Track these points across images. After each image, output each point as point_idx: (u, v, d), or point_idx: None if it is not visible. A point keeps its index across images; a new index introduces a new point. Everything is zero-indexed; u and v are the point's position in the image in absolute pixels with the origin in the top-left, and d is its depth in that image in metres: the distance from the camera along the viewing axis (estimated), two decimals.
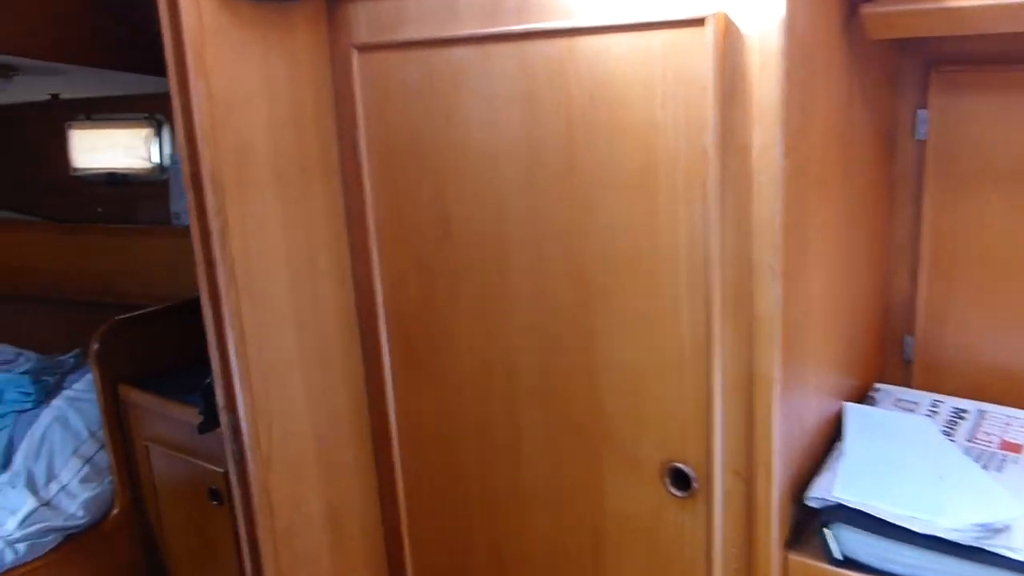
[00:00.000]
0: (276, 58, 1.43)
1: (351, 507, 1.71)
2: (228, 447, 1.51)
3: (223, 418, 1.50)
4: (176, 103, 1.34)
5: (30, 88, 2.72)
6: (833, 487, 1.25)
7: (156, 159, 3.19)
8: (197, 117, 1.33)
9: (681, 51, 1.14)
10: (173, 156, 3.14)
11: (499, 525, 1.57)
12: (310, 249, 1.55)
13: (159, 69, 1.36)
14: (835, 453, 1.37)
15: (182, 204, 2.99)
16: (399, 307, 1.57)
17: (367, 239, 1.56)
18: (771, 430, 1.19)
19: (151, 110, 3.21)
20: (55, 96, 3.08)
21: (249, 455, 1.50)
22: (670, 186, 1.20)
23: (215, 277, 1.42)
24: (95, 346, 2.52)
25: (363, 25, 1.45)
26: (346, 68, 1.48)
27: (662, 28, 1.15)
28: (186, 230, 1.45)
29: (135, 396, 2.49)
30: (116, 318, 2.60)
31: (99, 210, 3.40)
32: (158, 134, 3.16)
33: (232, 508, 1.75)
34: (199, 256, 1.42)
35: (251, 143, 1.42)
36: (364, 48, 1.46)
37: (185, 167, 1.38)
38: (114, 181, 3.31)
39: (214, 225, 1.39)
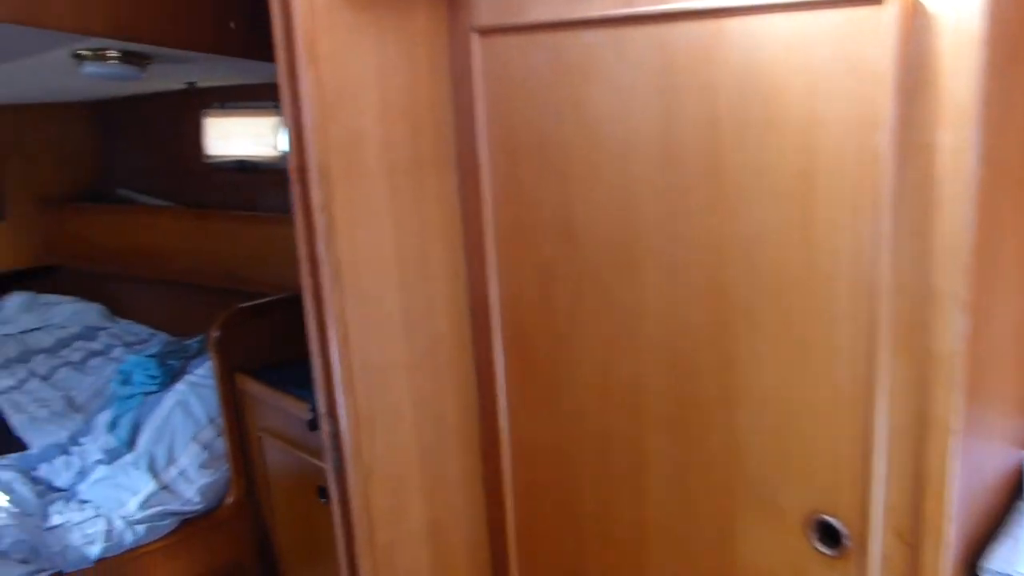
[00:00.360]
0: (391, 43, 1.33)
1: (455, 523, 1.60)
2: (328, 456, 1.43)
3: (324, 425, 1.42)
4: (284, 91, 1.26)
5: (166, 77, 2.74)
6: (1017, 559, 1.04)
7: (280, 147, 3.19)
8: (305, 106, 1.24)
9: (853, 35, 0.96)
10: None
11: (614, 556, 1.42)
12: (421, 247, 1.44)
13: None
14: (1018, 515, 1.15)
15: None
16: (515, 313, 1.44)
17: (483, 238, 1.44)
18: (946, 486, 0.99)
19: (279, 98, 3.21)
20: (191, 84, 3.12)
21: (350, 465, 1.41)
22: (832, 194, 1.02)
23: (319, 276, 1.33)
24: (215, 334, 2.52)
25: (485, 6, 1.33)
26: (465, 53, 1.36)
27: (830, 7, 0.98)
28: None
29: (251, 386, 2.47)
30: (237, 307, 2.59)
31: (226, 197, 3.44)
32: None
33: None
34: (302, 253, 1.34)
35: (362, 134, 1.33)
36: (485, 31, 1.33)
37: (291, 159, 1.29)
38: (243, 168, 3.34)
39: (319, 221, 1.30)
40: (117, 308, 3.98)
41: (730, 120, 1.10)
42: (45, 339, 3.75)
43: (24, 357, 3.59)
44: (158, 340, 3.63)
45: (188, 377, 2.79)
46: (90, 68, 2.21)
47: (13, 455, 2.73)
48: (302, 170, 1.30)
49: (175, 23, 2.01)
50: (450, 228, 1.47)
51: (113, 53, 2.19)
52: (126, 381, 2.81)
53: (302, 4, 1.21)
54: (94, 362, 3.49)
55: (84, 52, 2.17)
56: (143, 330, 3.79)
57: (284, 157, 3.17)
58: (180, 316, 3.69)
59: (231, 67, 2.54)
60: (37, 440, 2.85)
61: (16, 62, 2.26)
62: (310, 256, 1.33)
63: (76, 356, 3.57)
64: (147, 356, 2.85)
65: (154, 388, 2.78)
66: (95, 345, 3.64)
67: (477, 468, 1.59)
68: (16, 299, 4.00)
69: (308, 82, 1.24)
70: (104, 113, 4.00)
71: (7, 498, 2.33)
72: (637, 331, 1.27)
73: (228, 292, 3.26)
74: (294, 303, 2.70)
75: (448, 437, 1.54)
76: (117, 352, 3.54)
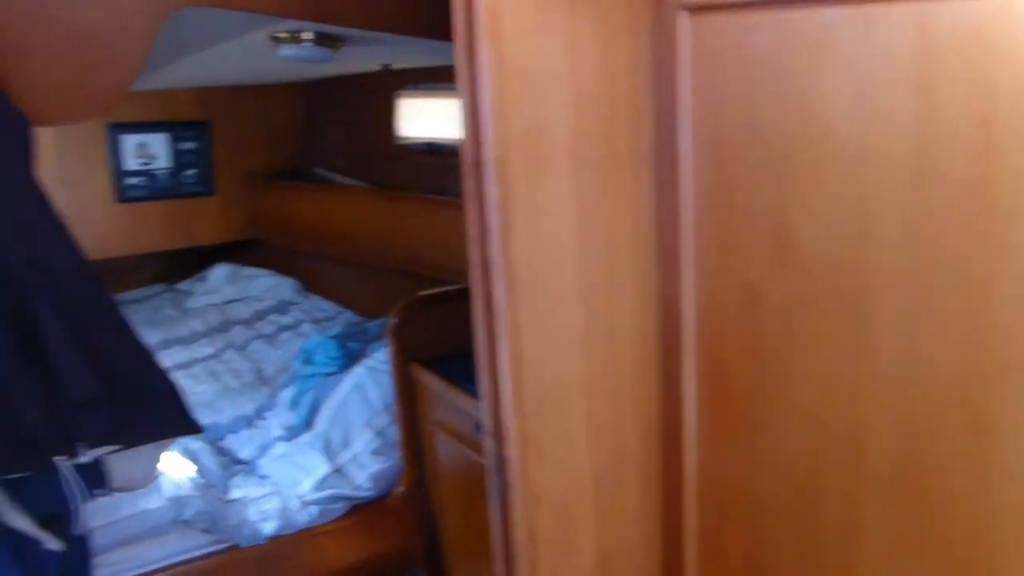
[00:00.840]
0: (585, 22, 1.16)
1: (628, 560, 1.43)
2: (492, 478, 1.30)
3: (488, 445, 1.29)
4: (462, 75, 1.13)
5: (360, 59, 2.73)
6: None
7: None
8: (483, 92, 1.11)
9: None
10: None
11: None
12: (608, 255, 1.28)
13: None
14: None
15: None
16: (713, 337, 1.25)
17: (679, 248, 1.25)
18: None
19: None
20: (386, 66, 3.10)
21: (515, 490, 1.28)
22: None
23: (491, 282, 1.20)
24: (393, 321, 2.48)
25: None
26: (671, 34, 1.17)
27: None
28: None
29: (425, 377, 2.41)
30: (417, 294, 2.54)
31: (416, 179, 3.42)
32: None
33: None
34: (474, 256, 1.21)
35: (547, 124, 1.17)
36: (696, 8, 1.14)
37: (465, 150, 1.16)
38: (432, 151, 3.30)
39: (495, 221, 1.16)
40: (309, 284, 4.09)
41: (1007, 124, 0.86)
42: (243, 311, 3.91)
43: (224, 327, 3.76)
44: (343, 318, 3.69)
45: (367, 361, 2.79)
46: (286, 51, 2.20)
47: (206, 424, 2.83)
48: (478, 163, 1.17)
49: (367, 4, 1.96)
50: (641, 234, 1.29)
51: (308, 35, 2.16)
52: (308, 360, 2.84)
53: None
54: (284, 336, 3.59)
55: (281, 34, 2.16)
56: (331, 307, 3.87)
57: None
58: (366, 295, 3.73)
59: (422, 48, 2.48)
60: (227, 410, 2.94)
61: (219, 45, 2.29)
62: (483, 260, 1.20)
63: (269, 329, 3.69)
64: (329, 337, 2.87)
65: (334, 369, 2.79)
66: (286, 319, 3.75)
67: (656, 504, 1.41)
68: (221, 270, 4.20)
69: (488, 65, 1.10)
70: (308, 94, 4.11)
71: (195, 468, 2.39)
72: (861, 374, 1.05)
73: (412, 275, 3.24)
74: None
75: (625, 467, 1.37)
76: (305, 328, 3.63)
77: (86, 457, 1.39)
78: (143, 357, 1.51)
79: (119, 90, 1.71)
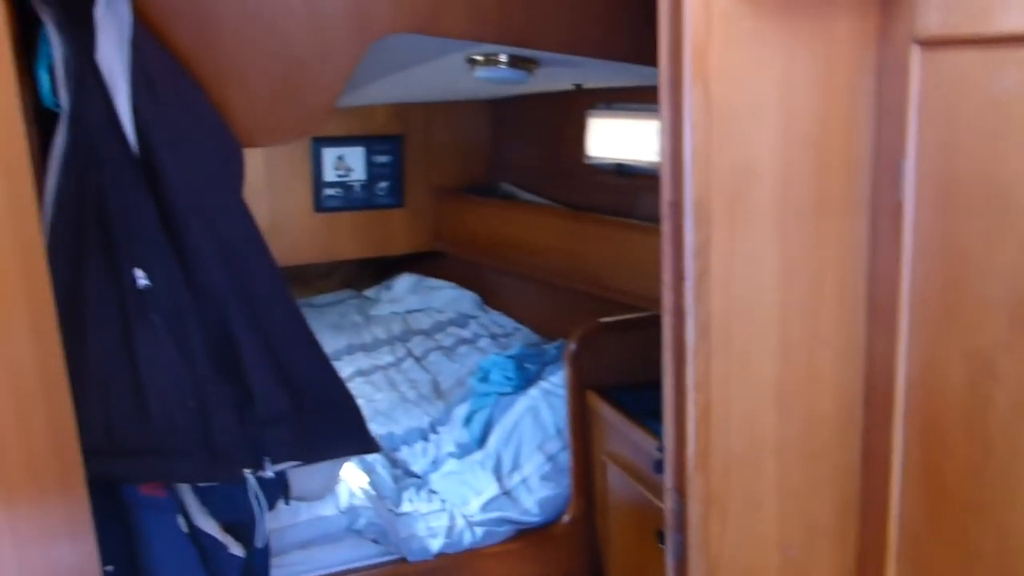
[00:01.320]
0: (800, 56, 1.07)
1: None
2: (670, 537, 1.22)
3: (668, 500, 1.22)
4: (665, 111, 1.07)
5: (553, 79, 2.72)
6: None
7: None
8: (687, 130, 1.04)
9: None
10: None
11: None
12: (811, 307, 1.17)
13: None
14: None
15: None
16: (929, 406, 1.12)
17: (895, 305, 1.13)
18: None
19: None
20: (578, 86, 3.08)
21: (693, 553, 1.20)
22: None
23: (683, 331, 1.13)
24: (571, 347, 2.45)
25: (934, 11, 1.01)
26: (900, 70, 1.06)
27: None
28: None
29: (601, 407, 2.36)
30: (598, 321, 2.49)
31: (603, 200, 3.37)
32: None
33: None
34: (667, 302, 1.14)
35: (753, 166, 1.09)
36: (932, 43, 1.02)
37: (663, 190, 1.10)
38: (622, 172, 3.25)
39: (692, 267, 1.09)
40: (489, 298, 4.14)
41: None
42: (424, 321, 4.01)
43: (405, 336, 3.86)
44: (521, 336, 3.70)
45: (542, 383, 2.76)
46: (482, 72, 2.22)
47: (382, 434, 2.90)
48: (676, 205, 1.10)
49: (564, 28, 1.94)
50: (850, 286, 1.18)
51: (503, 57, 2.17)
52: (484, 378, 2.86)
53: (697, 8, 1.01)
54: (462, 350, 3.64)
55: (476, 57, 2.18)
56: (509, 323, 3.89)
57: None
58: (545, 313, 3.72)
59: (618, 70, 2.43)
60: (403, 421, 3.01)
61: (417, 66, 2.34)
62: (675, 306, 1.13)
63: (448, 341, 3.75)
64: (506, 356, 2.87)
65: (509, 389, 2.79)
66: (465, 333, 3.81)
67: None
68: (406, 280, 4.33)
69: (694, 102, 1.04)
70: (496, 110, 4.16)
71: (367, 480, 2.45)
72: None
73: (593, 298, 3.20)
74: (658, 323, 2.56)
75: (817, 540, 1.25)
76: (483, 343, 3.67)
77: (271, 471, 1.43)
78: (329, 375, 1.55)
79: (322, 112, 1.78)
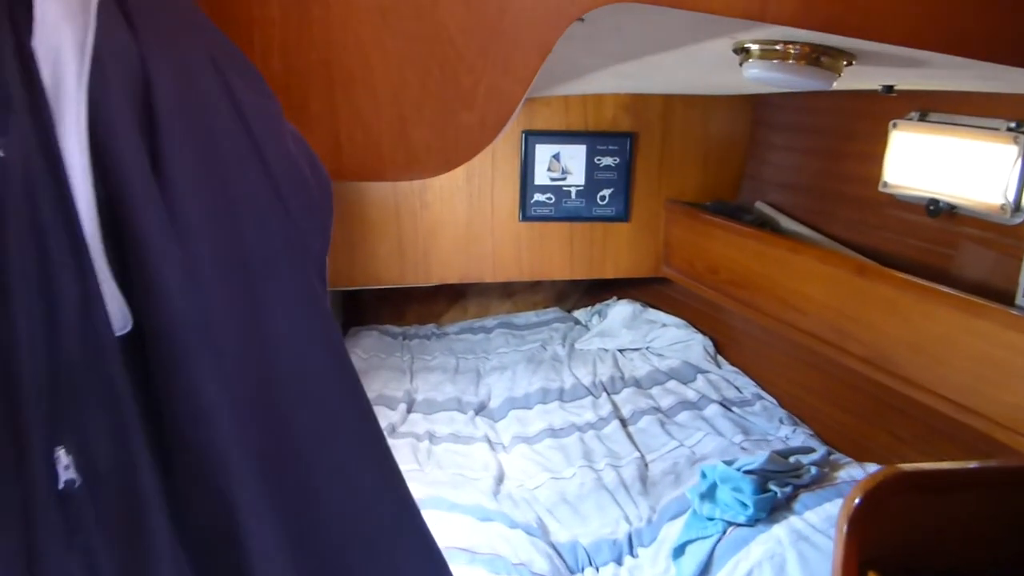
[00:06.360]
0: None
1: None
2: None
3: None
4: None
5: (857, 78, 1.82)
6: None
7: (1010, 192, 2.05)
8: None
9: None
10: None
11: None
12: None
13: None
14: None
15: None
16: None
17: None
18: None
19: (1020, 117, 2.05)
20: (889, 87, 2.13)
21: None
22: None
23: None
24: (854, 502, 1.57)
25: None
26: None
27: None
28: None
29: None
30: (897, 468, 1.60)
31: (899, 247, 2.41)
32: None
33: None
34: None
35: None
36: None
37: None
38: (936, 211, 2.28)
39: None
40: (725, 346, 3.28)
41: None
42: (640, 367, 3.23)
43: (614, 386, 3.10)
44: (762, 408, 2.83)
45: (792, 520, 1.92)
46: (755, 71, 1.39)
47: (563, 543, 2.17)
48: None
49: (939, 23, 1.08)
50: None
51: (794, 49, 1.33)
52: (708, 494, 2.05)
53: None
54: (682, 417, 2.83)
55: (750, 46, 1.36)
56: (749, 385, 3.02)
57: (1009, 206, 2.04)
58: (798, 384, 2.82)
59: (962, 70, 1.52)
60: (593, 520, 2.26)
61: (654, 56, 1.56)
62: None
63: (666, 401, 2.95)
64: (744, 471, 2.03)
65: (742, 519, 1.96)
66: (689, 392, 2.99)
67: None
68: (622, 309, 3.57)
69: None
70: (760, 108, 3.26)
71: None
72: None
73: (872, 383, 2.29)
74: (994, 481, 1.63)
75: None
76: (711, 411, 2.84)
77: None
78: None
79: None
